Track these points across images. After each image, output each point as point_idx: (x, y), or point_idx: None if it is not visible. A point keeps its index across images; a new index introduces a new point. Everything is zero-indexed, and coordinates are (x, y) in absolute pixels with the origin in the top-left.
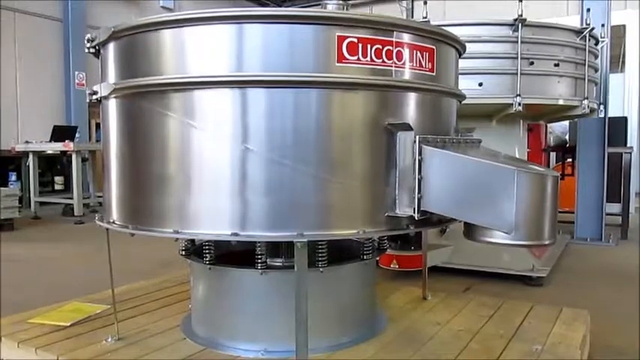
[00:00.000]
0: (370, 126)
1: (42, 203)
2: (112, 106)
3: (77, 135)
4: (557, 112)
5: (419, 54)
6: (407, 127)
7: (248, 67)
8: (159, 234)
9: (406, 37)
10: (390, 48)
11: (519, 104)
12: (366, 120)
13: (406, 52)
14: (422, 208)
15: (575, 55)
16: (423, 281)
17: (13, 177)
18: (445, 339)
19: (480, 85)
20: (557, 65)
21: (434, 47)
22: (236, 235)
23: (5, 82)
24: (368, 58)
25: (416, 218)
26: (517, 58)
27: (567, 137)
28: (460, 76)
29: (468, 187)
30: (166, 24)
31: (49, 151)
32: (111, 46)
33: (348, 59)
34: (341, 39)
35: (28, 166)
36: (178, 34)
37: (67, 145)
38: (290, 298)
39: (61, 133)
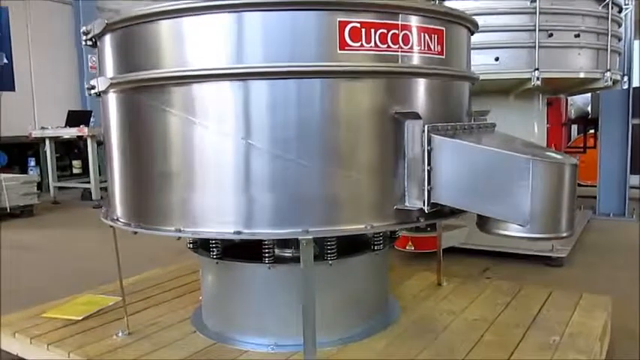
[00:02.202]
0: (376, 115)
1: (61, 187)
2: (112, 101)
3: (92, 119)
4: (577, 86)
5: (427, 36)
6: (415, 116)
7: (248, 58)
8: (161, 232)
9: (412, 20)
10: (396, 32)
11: (538, 79)
12: (371, 109)
13: (413, 36)
14: (432, 201)
15: (597, 24)
16: (438, 266)
17: (32, 162)
18: (460, 329)
19: (497, 59)
20: (577, 36)
21: (443, 28)
22: (239, 233)
23: (19, 68)
24: (372, 44)
25: (426, 211)
26: (535, 30)
27: (589, 108)
28: (475, 50)
29: (481, 177)
30: (162, 15)
31: (66, 136)
32: (107, 39)
33: (351, 46)
34: (343, 24)
35: (46, 151)
36: (175, 24)
37: (82, 130)
38: (299, 292)
39: (75, 117)
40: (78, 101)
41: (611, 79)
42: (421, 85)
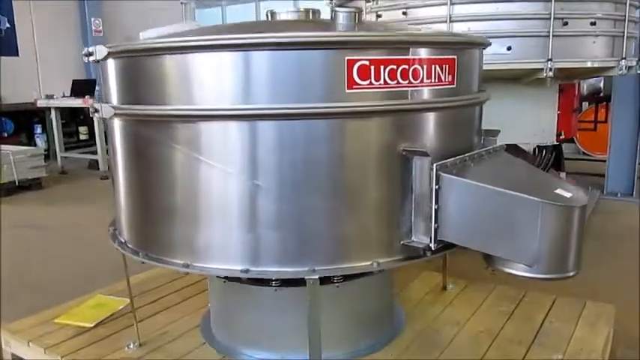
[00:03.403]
0: (384, 153)
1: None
2: (117, 127)
3: (97, 88)
4: (591, 73)
5: (438, 68)
6: (423, 153)
7: (255, 98)
8: (169, 266)
9: (423, 53)
10: (406, 67)
11: (551, 70)
12: (379, 147)
13: (423, 69)
14: (439, 238)
15: (614, 11)
16: (443, 269)
17: (38, 129)
18: (464, 344)
19: (509, 49)
20: (593, 24)
21: (454, 57)
22: (247, 271)
23: (22, 33)
24: (381, 81)
25: (432, 249)
26: (550, 18)
27: (602, 85)
28: (488, 39)
29: (489, 217)
30: (168, 50)
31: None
32: (111, 64)
33: (359, 84)
34: (351, 63)
35: (52, 119)
36: (181, 61)
37: (87, 102)
38: (305, 310)
39: (80, 87)
40: (83, 67)
41: (626, 67)
42: (430, 119)
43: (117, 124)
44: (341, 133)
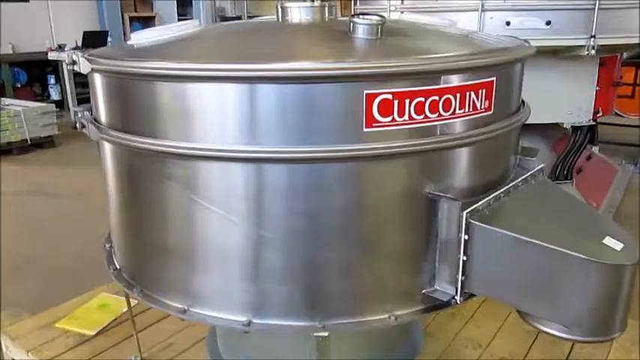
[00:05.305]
0: (407, 198)
1: None
2: (107, 148)
3: (109, 40)
4: (635, 48)
5: (473, 95)
6: (452, 198)
7: (261, 138)
8: (166, 310)
9: (457, 80)
10: (436, 98)
11: (593, 47)
12: (401, 192)
13: (456, 98)
14: (465, 290)
15: None
16: None
17: (52, 80)
18: None
19: (548, 23)
20: None
21: (493, 78)
22: (249, 324)
23: None
24: (405, 117)
25: (458, 302)
26: None
27: None
28: (525, 12)
29: (524, 271)
30: (160, 77)
31: None
32: (97, 78)
33: (379, 122)
34: (370, 97)
35: (64, 72)
36: (176, 90)
37: None
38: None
39: (92, 39)
40: (95, 14)
41: None
42: (463, 155)
43: (106, 145)
44: (358, 178)
